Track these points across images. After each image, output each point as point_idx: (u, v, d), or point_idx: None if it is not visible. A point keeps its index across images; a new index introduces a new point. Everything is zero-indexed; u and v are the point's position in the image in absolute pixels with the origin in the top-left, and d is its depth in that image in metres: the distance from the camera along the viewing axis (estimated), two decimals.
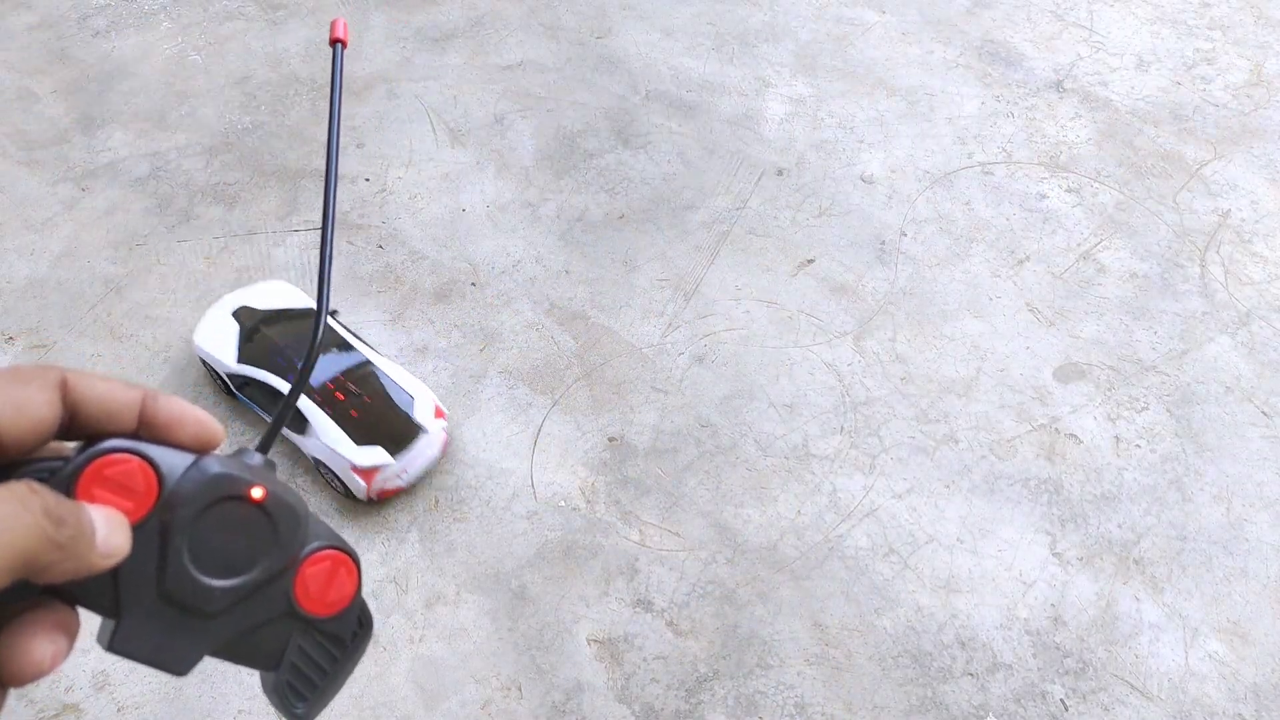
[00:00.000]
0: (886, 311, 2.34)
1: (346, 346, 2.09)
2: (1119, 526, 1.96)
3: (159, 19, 3.15)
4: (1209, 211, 2.57)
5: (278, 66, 3.00)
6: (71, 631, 0.35)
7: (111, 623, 0.37)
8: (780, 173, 2.67)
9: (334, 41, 0.44)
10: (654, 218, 2.56)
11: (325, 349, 1.99)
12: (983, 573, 1.90)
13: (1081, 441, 2.10)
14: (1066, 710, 1.72)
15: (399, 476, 1.94)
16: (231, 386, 2.07)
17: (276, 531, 0.40)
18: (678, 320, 2.33)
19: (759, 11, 3.18)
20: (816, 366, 2.23)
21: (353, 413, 1.98)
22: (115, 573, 0.36)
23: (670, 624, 1.84)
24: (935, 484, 2.03)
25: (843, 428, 2.12)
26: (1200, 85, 2.92)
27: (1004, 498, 2.01)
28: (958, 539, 1.94)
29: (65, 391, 0.35)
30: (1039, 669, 1.78)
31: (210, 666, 1.81)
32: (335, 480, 1.94)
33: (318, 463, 1.96)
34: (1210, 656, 1.78)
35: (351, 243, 2.51)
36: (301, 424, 1.95)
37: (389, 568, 1.93)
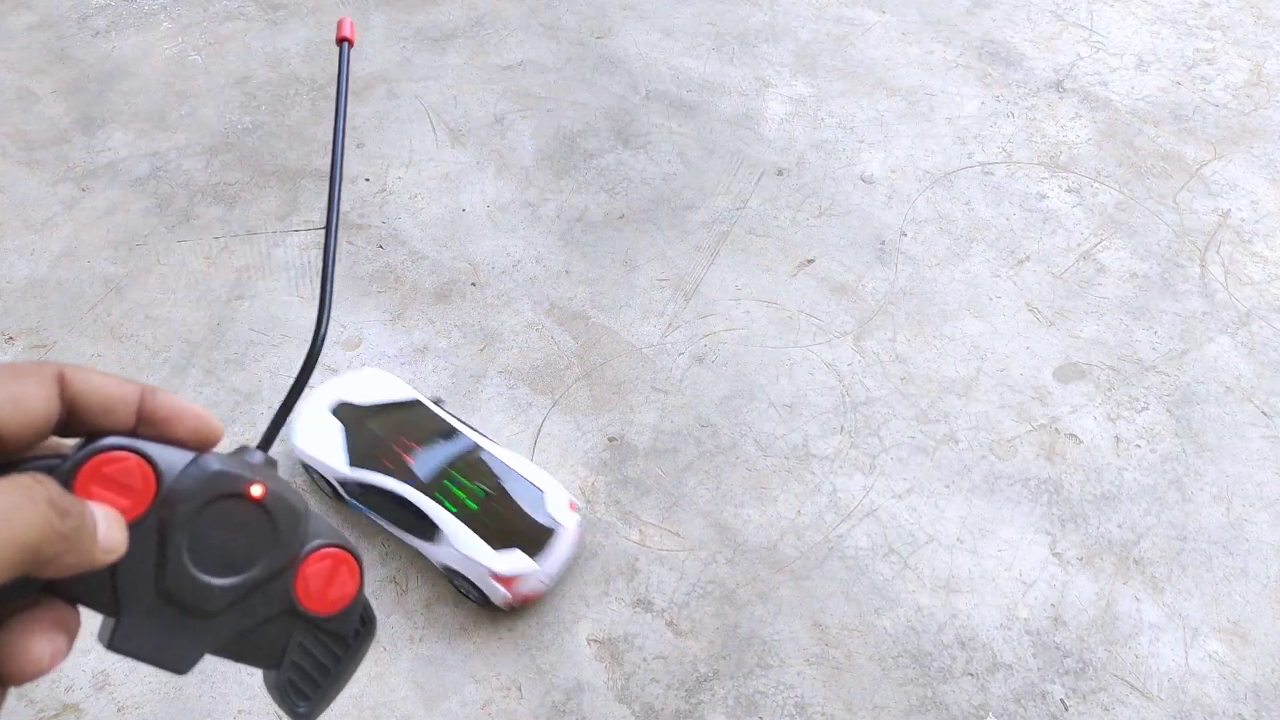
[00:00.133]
0: (886, 311, 2.34)
1: (454, 433, 1.87)
2: (1119, 526, 1.96)
3: (159, 19, 3.15)
4: (1209, 211, 2.57)
5: (278, 66, 3.00)
6: (71, 630, 0.35)
7: (112, 621, 0.37)
8: (780, 173, 2.67)
9: (340, 40, 0.44)
10: (654, 218, 2.56)
11: (431, 438, 1.85)
12: (983, 573, 1.90)
13: (1081, 441, 2.10)
14: (1066, 710, 1.72)
15: (541, 581, 1.76)
16: (342, 492, 1.89)
17: (277, 529, 0.40)
18: (678, 320, 2.33)
19: (759, 11, 3.18)
20: (816, 366, 2.23)
21: (478, 511, 1.78)
22: (114, 570, 0.36)
23: (670, 624, 1.84)
24: (935, 484, 2.03)
25: (843, 428, 2.12)
26: (1200, 85, 2.92)
27: (1004, 498, 2.01)
28: (958, 539, 1.94)
29: (63, 386, 0.35)
30: (1039, 669, 1.77)
31: (210, 666, 1.81)
32: (471, 589, 1.76)
33: (449, 571, 1.77)
34: (1210, 656, 1.78)
35: (351, 243, 2.51)
36: (429, 530, 1.76)
37: (389, 567, 1.93)
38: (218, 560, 0.37)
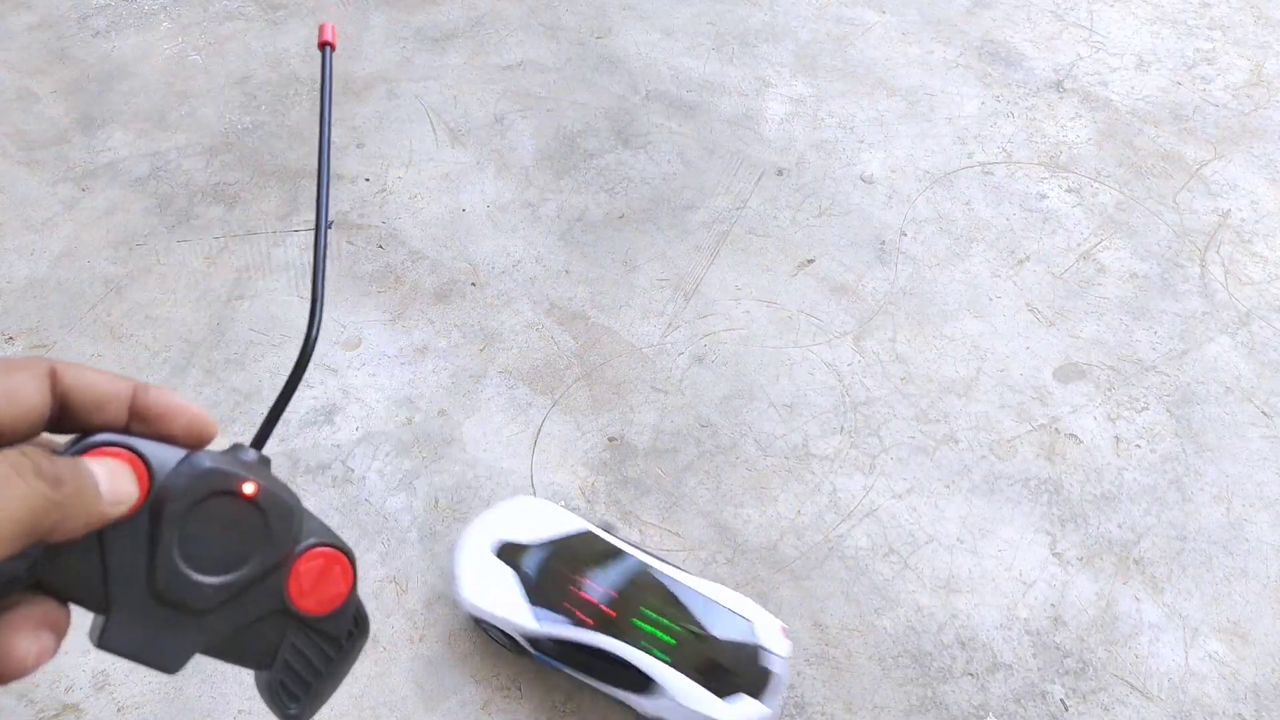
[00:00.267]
0: (886, 311, 2.34)
1: (638, 564, 1.65)
2: (1119, 526, 1.96)
3: (159, 19, 3.15)
4: (1209, 211, 2.57)
5: (278, 66, 3.00)
6: (60, 629, 0.35)
7: (102, 619, 0.37)
8: (780, 173, 2.66)
9: (322, 45, 0.44)
10: (654, 218, 2.56)
11: (614, 572, 1.67)
12: (983, 573, 1.90)
13: (1081, 441, 2.10)
14: (1066, 710, 1.72)
15: None
16: (529, 647, 1.68)
17: (269, 528, 0.39)
18: (678, 320, 2.33)
19: (759, 11, 3.18)
20: (816, 366, 2.23)
21: (678, 647, 1.58)
22: (105, 568, 0.36)
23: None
24: (935, 484, 2.03)
25: (843, 428, 2.11)
26: (1200, 85, 2.92)
27: (1004, 498, 2.01)
28: (958, 539, 1.94)
29: (55, 381, 0.34)
30: (1039, 669, 1.77)
31: (211, 666, 1.81)
32: None
33: None
34: (1210, 656, 1.78)
35: (351, 243, 2.51)
36: (642, 684, 1.55)
37: (389, 567, 1.93)
38: (209, 558, 0.36)
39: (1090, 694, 1.74)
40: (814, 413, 2.15)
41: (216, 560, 0.38)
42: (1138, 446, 2.08)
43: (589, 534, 1.75)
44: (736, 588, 1.89)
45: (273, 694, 0.41)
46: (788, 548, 1.94)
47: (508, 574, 1.71)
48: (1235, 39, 3.07)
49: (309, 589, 0.40)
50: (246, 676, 1.78)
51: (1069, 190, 2.63)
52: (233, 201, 2.61)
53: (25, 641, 0.33)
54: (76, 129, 2.80)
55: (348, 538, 1.98)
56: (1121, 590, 1.87)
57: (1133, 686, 1.75)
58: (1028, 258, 2.46)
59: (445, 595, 1.90)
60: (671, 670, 1.57)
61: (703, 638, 1.61)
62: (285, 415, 2.20)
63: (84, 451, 0.36)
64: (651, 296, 2.38)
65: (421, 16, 3.17)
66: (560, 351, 2.27)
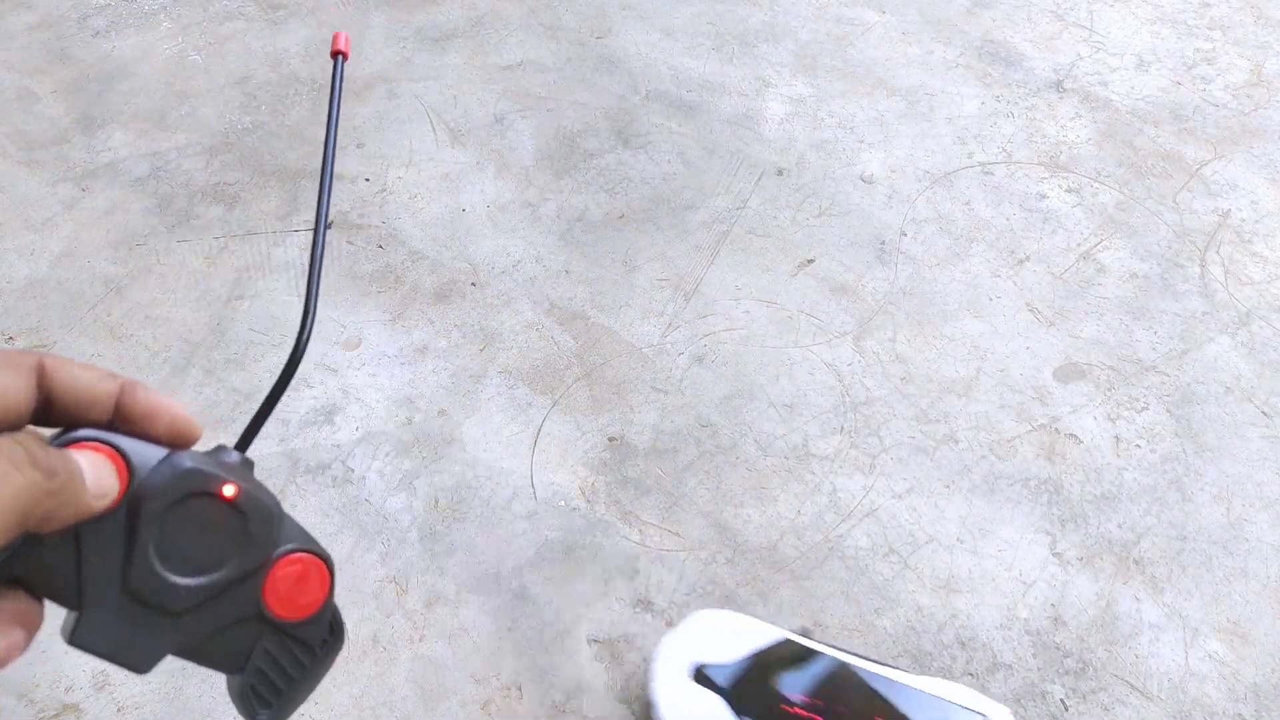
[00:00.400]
0: (886, 311, 2.34)
1: (854, 673, 1.49)
2: (1119, 526, 1.96)
3: (159, 19, 3.15)
4: (1209, 211, 2.57)
5: (278, 66, 3.00)
6: (31, 626, 0.35)
7: (74, 616, 0.37)
8: (780, 173, 2.67)
9: (335, 54, 0.44)
10: (654, 218, 2.57)
11: (830, 686, 1.53)
12: (983, 573, 1.90)
13: (1081, 441, 2.10)
14: (1066, 710, 1.72)
15: None
16: None
17: (248, 531, 0.39)
18: (678, 320, 2.33)
19: (759, 11, 3.18)
20: (816, 366, 2.23)
21: None
22: (80, 564, 0.36)
23: (670, 624, 1.84)
24: (935, 484, 2.03)
25: (843, 428, 2.12)
26: (1200, 85, 2.93)
27: (1004, 498, 2.01)
28: (958, 539, 1.94)
29: (41, 376, 0.35)
30: (1039, 669, 1.78)
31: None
32: None
33: None
34: (1210, 656, 1.78)
35: (351, 243, 2.51)
36: None
37: (389, 567, 1.93)
38: (186, 560, 0.36)
39: (1090, 694, 1.74)
40: (814, 413, 2.15)
41: (193, 562, 0.38)
42: (1138, 446, 2.08)
43: (787, 642, 1.59)
44: (736, 587, 1.89)
45: (243, 698, 0.42)
46: (788, 548, 1.94)
47: (710, 698, 1.52)
48: (1235, 39, 3.08)
49: (285, 595, 0.41)
50: None
51: (1069, 190, 2.63)
52: (233, 201, 2.61)
53: None
54: (76, 129, 2.81)
55: (348, 538, 1.98)
56: (1121, 590, 1.88)
57: (1133, 686, 1.75)
58: (1028, 258, 2.47)
59: (445, 595, 1.91)
60: None
61: None
62: (285, 415, 2.20)
63: (66, 445, 0.36)
64: (651, 296, 2.39)
65: (421, 16, 3.17)
66: (560, 351, 2.27)
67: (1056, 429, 2.20)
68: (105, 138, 2.89)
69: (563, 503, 2.06)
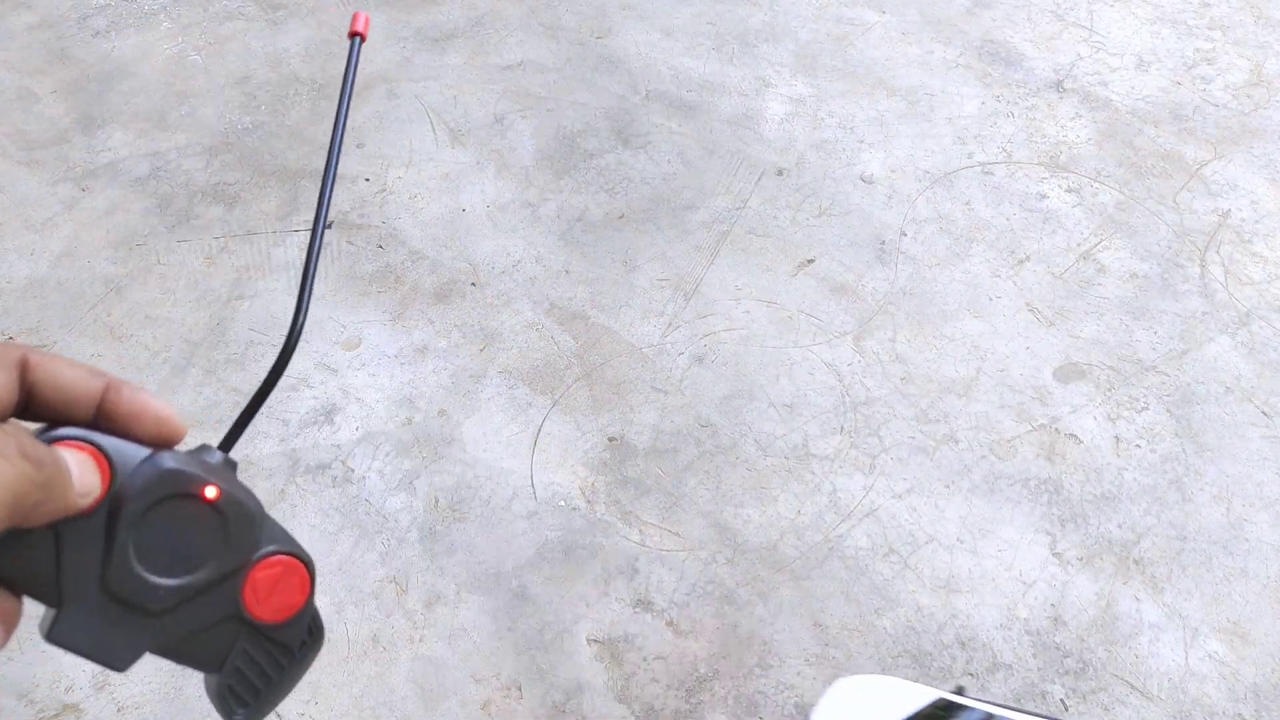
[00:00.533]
0: (886, 311, 2.34)
1: None
2: (1119, 526, 1.96)
3: (159, 19, 3.15)
4: (1209, 211, 2.57)
5: (278, 66, 3.00)
6: (10, 622, 0.35)
7: (53, 613, 0.37)
8: (780, 173, 2.67)
9: (353, 35, 0.44)
10: (654, 218, 2.56)
11: None
12: (983, 573, 1.90)
13: (1081, 441, 2.10)
14: (1066, 710, 1.72)
15: None
16: None
17: (228, 533, 0.39)
18: (678, 320, 2.33)
19: (759, 11, 3.18)
20: (816, 366, 2.23)
21: None
22: (59, 562, 0.36)
23: (670, 624, 1.84)
24: (935, 484, 2.03)
25: (843, 428, 2.11)
26: (1200, 85, 2.92)
27: (1004, 498, 2.01)
28: (958, 539, 1.94)
29: (25, 371, 0.34)
30: (1039, 669, 1.77)
31: None
32: None
33: None
34: (1210, 656, 1.78)
35: (351, 243, 2.51)
36: None
37: (389, 567, 1.93)
38: (165, 560, 0.36)
39: (1090, 694, 1.74)
40: (814, 413, 2.15)
41: (172, 562, 0.38)
42: (1138, 446, 2.08)
43: (942, 701, 1.52)
44: (736, 587, 1.89)
45: (221, 698, 0.42)
46: (788, 548, 1.94)
47: None
48: (1235, 39, 3.07)
49: (264, 596, 0.40)
50: None
51: (1069, 190, 2.63)
52: (233, 201, 2.61)
53: None
54: (76, 129, 2.81)
55: (348, 538, 1.98)
56: (1121, 590, 1.87)
57: (1133, 686, 1.75)
58: (1028, 258, 2.46)
59: (445, 595, 1.91)
60: None
61: None
62: (285, 415, 2.20)
63: (49, 443, 0.36)
64: (651, 296, 2.39)
65: (421, 16, 3.17)
66: (560, 351, 2.27)
67: (1056, 429, 2.20)
68: (105, 138, 2.89)
69: (563, 503, 2.06)
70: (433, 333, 2.31)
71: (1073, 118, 2.82)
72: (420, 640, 1.82)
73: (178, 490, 0.36)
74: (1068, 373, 2.22)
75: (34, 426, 0.35)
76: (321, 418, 2.16)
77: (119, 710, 1.72)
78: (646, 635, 1.83)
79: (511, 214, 2.56)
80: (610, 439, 2.11)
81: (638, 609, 1.86)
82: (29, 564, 0.34)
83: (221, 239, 2.50)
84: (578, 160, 2.69)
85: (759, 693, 1.74)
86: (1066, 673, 1.77)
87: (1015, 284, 2.39)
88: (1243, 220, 2.53)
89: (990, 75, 2.94)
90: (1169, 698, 1.73)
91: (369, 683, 1.77)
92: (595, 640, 1.83)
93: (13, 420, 0.34)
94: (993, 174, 2.67)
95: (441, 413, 2.16)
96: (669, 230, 2.52)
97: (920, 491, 2.02)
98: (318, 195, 0.40)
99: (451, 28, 3.11)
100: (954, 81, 2.92)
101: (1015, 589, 1.88)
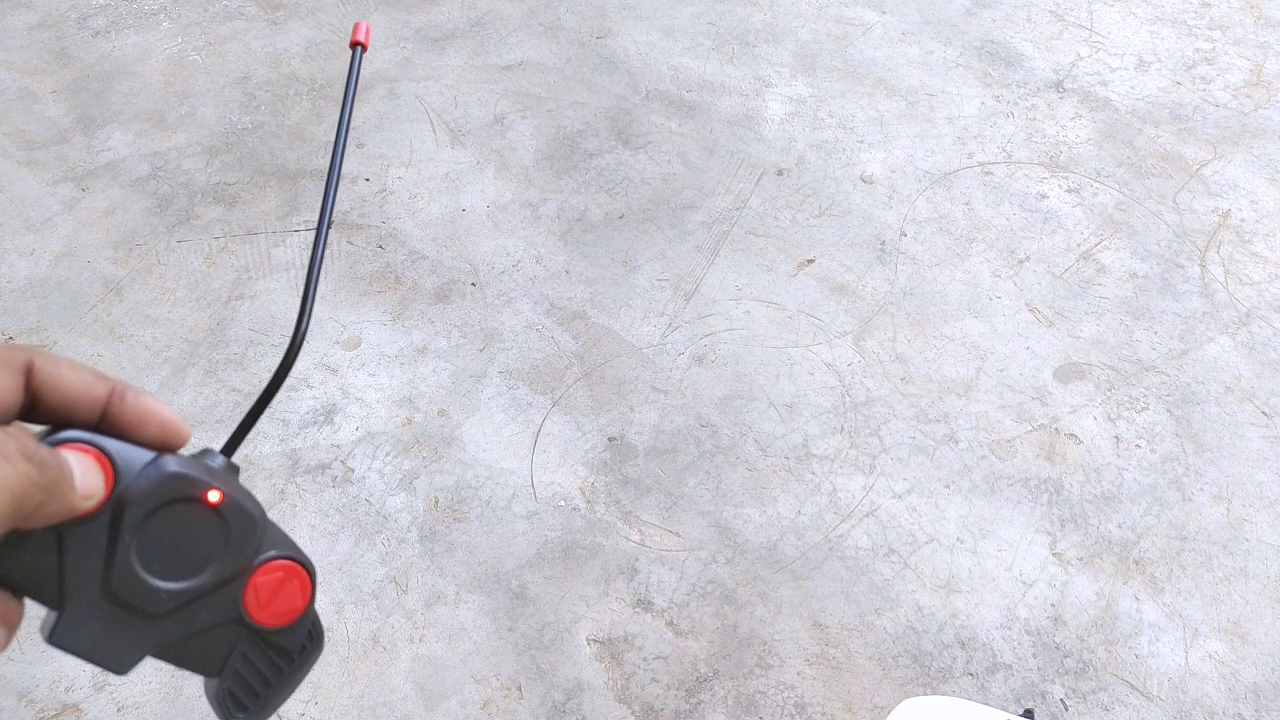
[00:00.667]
0: (886, 311, 2.34)
1: None
2: (1119, 526, 1.96)
3: (159, 19, 3.15)
4: (1209, 211, 2.57)
5: (278, 66, 3.00)
6: (11, 624, 0.35)
7: (54, 615, 0.37)
8: (780, 173, 2.67)
9: (354, 45, 0.44)
10: (654, 218, 2.57)
11: None
12: (983, 573, 1.90)
13: (1081, 441, 2.10)
14: (1066, 710, 1.72)
15: None
16: None
17: (230, 537, 0.39)
18: (678, 320, 2.33)
19: (759, 11, 3.18)
20: (816, 366, 2.23)
21: None
22: (61, 564, 0.36)
23: (670, 624, 1.84)
24: (935, 484, 2.03)
25: (843, 428, 2.12)
26: (1200, 85, 2.92)
27: (1004, 498, 2.01)
28: (958, 539, 1.94)
29: (30, 375, 0.34)
30: (1039, 669, 1.78)
31: None
32: None
33: None
34: (1210, 656, 1.78)
35: (351, 243, 2.51)
36: None
37: (389, 567, 1.93)
38: (167, 564, 0.36)
39: (1090, 694, 1.74)
40: (814, 413, 2.15)
41: (174, 566, 0.38)
42: (1138, 446, 2.08)
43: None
44: (736, 587, 1.89)
45: (220, 702, 0.42)
46: (788, 548, 1.94)
47: None
48: (1235, 39, 3.08)
49: (265, 601, 0.41)
50: None
51: (1069, 190, 2.63)
52: (233, 201, 2.61)
53: None
54: (76, 129, 2.81)
55: (348, 537, 1.98)
56: (1121, 590, 1.87)
57: (1133, 686, 1.75)
58: (1028, 258, 2.47)
59: (445, 595, 1.91)
60: None
61: None
62: (285, 415, 2.20)
63: (53, 446, 0.36)
64: (651, 296, 2.39)
65: (421, 16, 3.17)
66: (560, 351, 2.27)
67: (1056, 429, 2.20)
68: (105, 138, 2.89)
69: (563, 503, 2.06)
70: (433, 333, 2.31)
71: (1073, 118, 2.82)
72: (420, 640, 1.82)
73: (181, 494, 0.37)
74: (1068, 373, 2.22)
75: (38, 429, 0.35)
76: (321, 418, 2.16)
77: (119, 710, 1.72)
78: (646, 635, 1.83)
79: (511, 214, 2.56)
80: (610, 439, 2.11)
81: (638, 609, 1.87)
82: (31, 566, 0.34)
83: (221, 239, 2.50)
84: (578, 160, 2.69)
85: (759, 693, 1.74)
86: (1066, 673, 1.77)
87: (1015, 284, 2.39)
88: (1243, 220, 2.54)
89: (990, 75, 2.94)
90: (1169, 698, 1.73)
91: (369, 682, 1.77)
92: (595, 640, 1.83)
93: (16, 422, 0.34)
94: (993, 174, 2.67)
95: (441, 413, 2.16)
96: (669, 230, 2.52)
97: (920, 491, 2.02)
98: (320, 205, 0.40)
99: (451, 28, 3.11)
100: (954, 81, 2.93)
101: (1015, 589, 1.88)
